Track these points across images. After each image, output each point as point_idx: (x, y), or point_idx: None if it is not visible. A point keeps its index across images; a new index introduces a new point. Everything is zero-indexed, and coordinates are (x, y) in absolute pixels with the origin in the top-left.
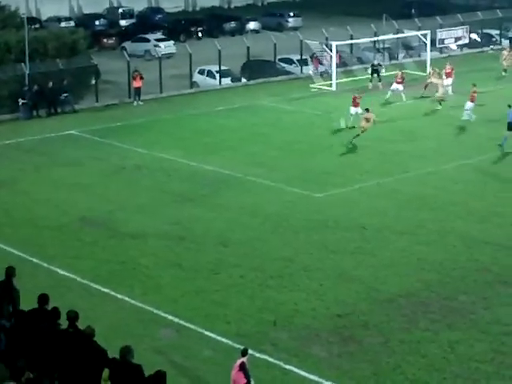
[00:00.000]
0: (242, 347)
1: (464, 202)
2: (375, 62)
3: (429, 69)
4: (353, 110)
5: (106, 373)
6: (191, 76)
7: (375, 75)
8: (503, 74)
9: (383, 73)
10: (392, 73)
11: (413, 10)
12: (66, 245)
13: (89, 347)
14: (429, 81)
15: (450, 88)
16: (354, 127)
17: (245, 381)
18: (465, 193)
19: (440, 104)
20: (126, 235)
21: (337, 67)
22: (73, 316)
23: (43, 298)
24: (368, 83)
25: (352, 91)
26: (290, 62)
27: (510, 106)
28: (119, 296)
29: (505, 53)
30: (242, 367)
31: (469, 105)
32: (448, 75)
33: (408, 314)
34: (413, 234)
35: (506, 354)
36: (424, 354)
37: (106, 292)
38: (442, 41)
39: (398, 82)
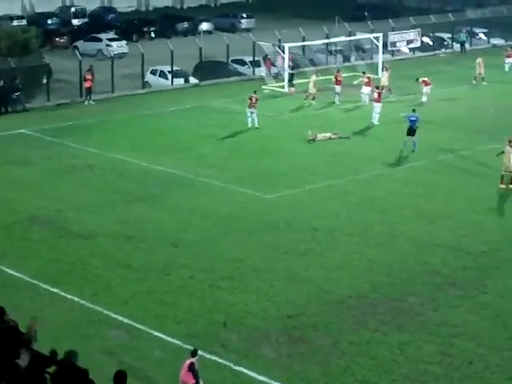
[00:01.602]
0: (192, 348)
1: (414, 205)
2: (290, 65)
3: (384, 72)
4: (248, 110)
5: (52, 369)
6: (143, 76)
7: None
8: (483, 83)
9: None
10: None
11: (365, 13)
12: (14, 244)
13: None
14: (386, 84)
15: (367, 97)
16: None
17: (194, 381)
18: (414, 195)
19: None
20: (75, 235)
21: (289, 69)
22: None
23: None
24: (290, 88)
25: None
26: (242, 63)
27: (414, 111)
28: (69, 296)
29: (479, 60)
30: (192, 368)
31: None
32: (367, 84)
33: (358, 315)
34: (363, 236)
35: (453, 356)
36: (373, 356)
37: (55, 292)
38: (393, 44)
39: (337, 84)
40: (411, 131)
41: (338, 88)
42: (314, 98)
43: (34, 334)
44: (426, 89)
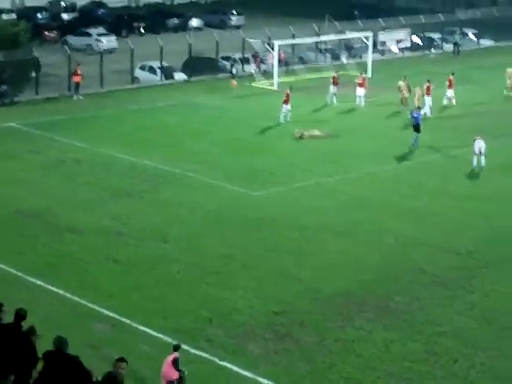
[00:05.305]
0: (174, 342)
1: (402, 204)
2: (236, 58)
3: (401, 82)
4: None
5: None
6: (132, 71)
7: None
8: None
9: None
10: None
11: (356, 12)
12: (3, 238)
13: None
14: (405, 95)
15: (362, 99)
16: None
17: (177, 376)
18: (403, 194)
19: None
20: (64, 230)
21: (278, 66)
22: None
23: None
24: (232, 81)
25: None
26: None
27: (419, 108)
28: (55, 290)
29: (509, 71)
30: (176, 363)
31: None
32: (360, 85)
33: (344, 313)
34: (351, 235)
35: (438, 355)
36: (359, 353)
37: (42, 285)
38: (383, 43)
39: (334, 84)
40: (414, 128)
41: (333, 88)
42: (406, 101)
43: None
44: (449, 92)
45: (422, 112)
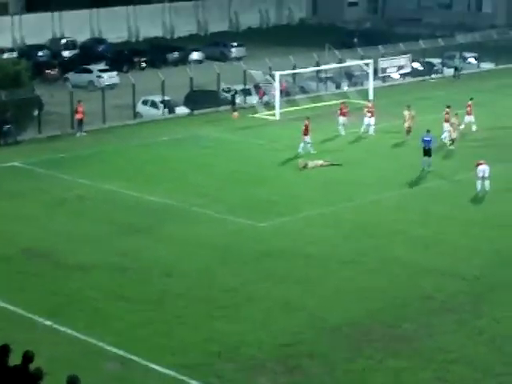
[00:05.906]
0: (187, 378)
1: (407, 230)
2: (234, 89)
3: (405, 112)
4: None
5: None
6: (134, 106)
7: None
8: None
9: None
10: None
11: (355, 40)
12: (9, 277)
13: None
14: (407, 125)
15: (372, 127)
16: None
17: None
18: (407, 221)
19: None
20: (69, 267)
21: (280, 97)
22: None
23: None
24: (234, 113)
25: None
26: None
27: (428, 131)
28: (63, 328)
29: None
30: None
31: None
32: (372, 114)
33: (353, 342)
34: (356, 263)
35: (449, 382)
36: (369, 383)
37: (49, 325)
38: (384, 70)
39: (342, 114)
40: (425, 151)
41: (342, 119)
42: (409, 130)
43: None
44: (468, 118)
45: (443, 136)
